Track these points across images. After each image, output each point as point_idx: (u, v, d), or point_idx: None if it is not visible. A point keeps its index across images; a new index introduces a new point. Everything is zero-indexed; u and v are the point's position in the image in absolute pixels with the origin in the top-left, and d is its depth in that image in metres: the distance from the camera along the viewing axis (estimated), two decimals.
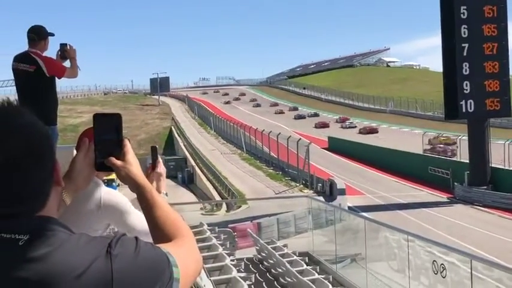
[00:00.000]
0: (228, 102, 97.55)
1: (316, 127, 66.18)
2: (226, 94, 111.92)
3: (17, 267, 1.06)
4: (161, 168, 2.23)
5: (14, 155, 1.11)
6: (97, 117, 1.47)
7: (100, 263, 1.10)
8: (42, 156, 1.16)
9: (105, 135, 1.46)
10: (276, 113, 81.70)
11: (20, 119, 1.16)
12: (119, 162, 1.46)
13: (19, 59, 5.14)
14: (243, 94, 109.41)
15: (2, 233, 1.10)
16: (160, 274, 1.18)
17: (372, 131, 59.56)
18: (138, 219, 2.54)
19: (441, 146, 42.93)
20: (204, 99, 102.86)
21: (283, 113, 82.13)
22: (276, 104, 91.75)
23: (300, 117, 76.95)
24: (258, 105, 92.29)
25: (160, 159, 2.29)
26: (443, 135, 45.98)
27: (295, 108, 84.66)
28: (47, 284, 1.05)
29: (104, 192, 2.58)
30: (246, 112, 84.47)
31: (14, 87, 5.30)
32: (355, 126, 63.65)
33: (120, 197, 2.66)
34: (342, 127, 65.13)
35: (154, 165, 2.30)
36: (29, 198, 1.14)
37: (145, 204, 1.45)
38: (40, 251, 1.08)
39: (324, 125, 66.44)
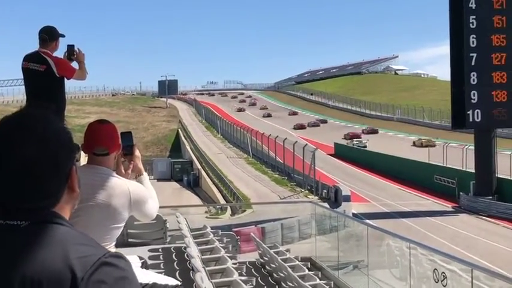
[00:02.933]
0: (240, 110, 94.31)
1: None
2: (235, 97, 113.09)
3: (16, 248, 1.16)
4: (138, 152, 2.76)
5: (30, 161, 1.18)
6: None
7: (85, 261, 1.14)
8: (59, 164, 1.23)
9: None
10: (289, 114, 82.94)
11: (44, 125, 1.23)
12: None
13: (29, 58, 5.18)
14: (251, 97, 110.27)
15: (7, 220, 1.19)
16: None
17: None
18: (153, 207, 2.85)
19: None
20: (213, 102, 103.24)
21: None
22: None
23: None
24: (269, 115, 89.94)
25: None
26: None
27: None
28: (40, 265, 1.13)
29: (131, 187, 2.76)
30: (253, 117, 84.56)
31: (22, 87, 5.34)
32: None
33: (143, 189, 2.85)
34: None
35: (132, 149, 2.82)
36: (38, 199, 1.21)
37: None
38: (38, 236, 1.17)
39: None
